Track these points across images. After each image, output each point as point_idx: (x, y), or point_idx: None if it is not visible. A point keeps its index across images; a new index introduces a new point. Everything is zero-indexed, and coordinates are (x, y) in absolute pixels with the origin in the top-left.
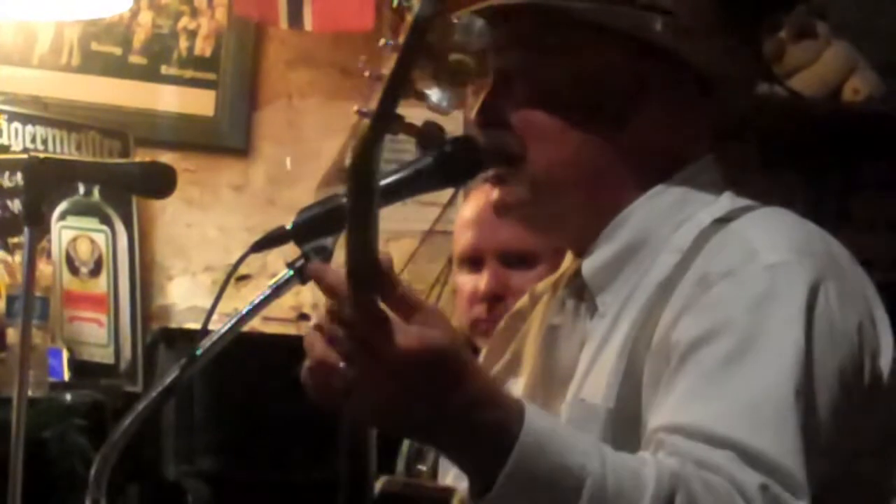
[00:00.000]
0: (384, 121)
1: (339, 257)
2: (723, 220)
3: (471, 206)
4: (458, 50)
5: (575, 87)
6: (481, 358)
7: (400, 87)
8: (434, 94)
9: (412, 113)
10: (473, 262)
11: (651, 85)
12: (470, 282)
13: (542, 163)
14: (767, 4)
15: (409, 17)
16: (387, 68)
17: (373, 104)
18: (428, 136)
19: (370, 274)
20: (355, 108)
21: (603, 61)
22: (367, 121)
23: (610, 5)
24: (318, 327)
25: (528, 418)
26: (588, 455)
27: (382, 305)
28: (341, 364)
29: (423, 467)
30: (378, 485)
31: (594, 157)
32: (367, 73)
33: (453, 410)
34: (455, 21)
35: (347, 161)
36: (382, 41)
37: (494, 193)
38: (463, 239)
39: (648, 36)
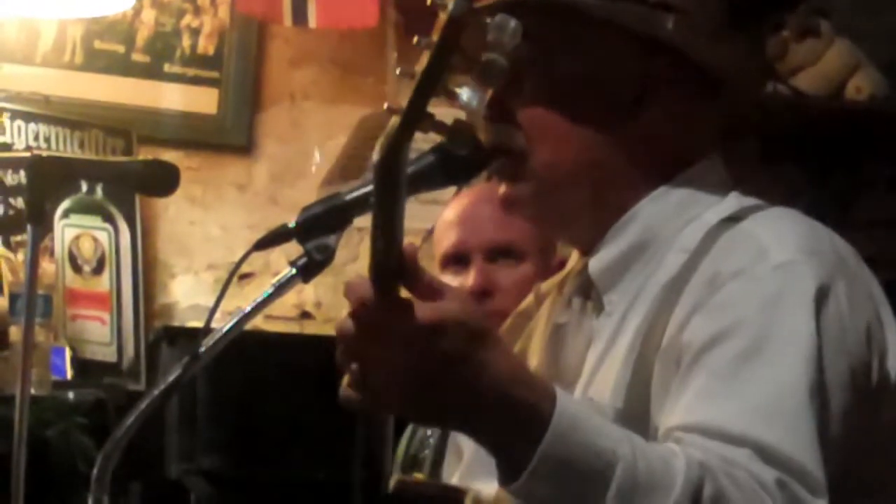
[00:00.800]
0: (414, 118)
1: (341, 256)
2: (730, 220)
3: (453, 208)
4: (490, 49)
5: (582, 83)
6: None
7: (431, 85)
8: (464, 92)
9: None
10: (458, 260)
11: (659, 83)
12: (455, 281)
13: (547, 159)
14: (772, 3)
15: (443, 16)
16: (419, 65)
17: (403, 101)
18: (458, 134)
19: (395, 268)
20: (385, 105)
21: (611, 59)
22: (395, 118)
23: (621, 2)
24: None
25: (561, 401)
26: (619, 441)
27: (409, 296)
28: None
29: (419, 475)
30: (391, 483)
31: (600, 155)
32: (398, 71)
33: (484, 387)
34: (488, 20)
35: (375, 156)
36: (416, 39)
37: (501, 189)
38: (447, 239)
39: (658, 34)
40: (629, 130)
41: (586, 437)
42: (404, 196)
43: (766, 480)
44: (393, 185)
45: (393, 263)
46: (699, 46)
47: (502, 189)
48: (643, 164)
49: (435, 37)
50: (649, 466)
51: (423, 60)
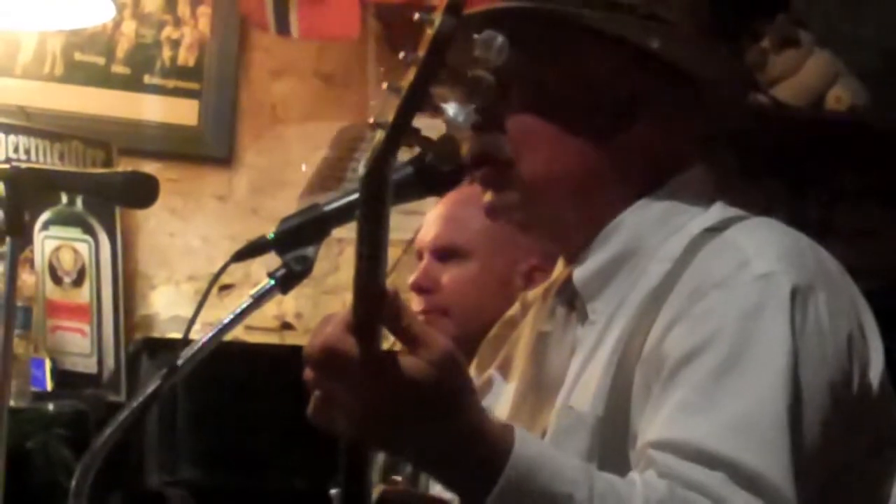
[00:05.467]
0: (400, 133)
1: (321, 267)
2: (713, 230)
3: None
4: (477, 65)
5: (571, 93)
6: (472, 366)
7: (417, 100)
8: (451, 108)
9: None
10: (419, 258)
11: (647, 94)
12: None
13: (535, 169)
14: (753, 13)
15: (430, 32)
16: (404, 81)
17: (388, 115)
18: (444, 150)
19: (379, 292)
20: (370, 119)
21: (600, 69)
22: (380, 132)
23: (611, 13)
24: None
25: (517, 450)
26: (576, 483)
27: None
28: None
29: (398, 478)
30: (375, 493)
31: (588, 165)
32: (384, 85)
33: (442, 445)
34: (475, 36)
35: (361, 170)
36: (402, 54)
37: (486, 197)
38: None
39: (649, 45)
40: (619, 141)
41: (541, 483)
42: (389, 208)
43: None
44: (378, 198)
45: (378, 279)
46: (687, 57)
47: (487, 197)
48: (631, 174)
49: (421, 53)
50: None
51: (409, 76)
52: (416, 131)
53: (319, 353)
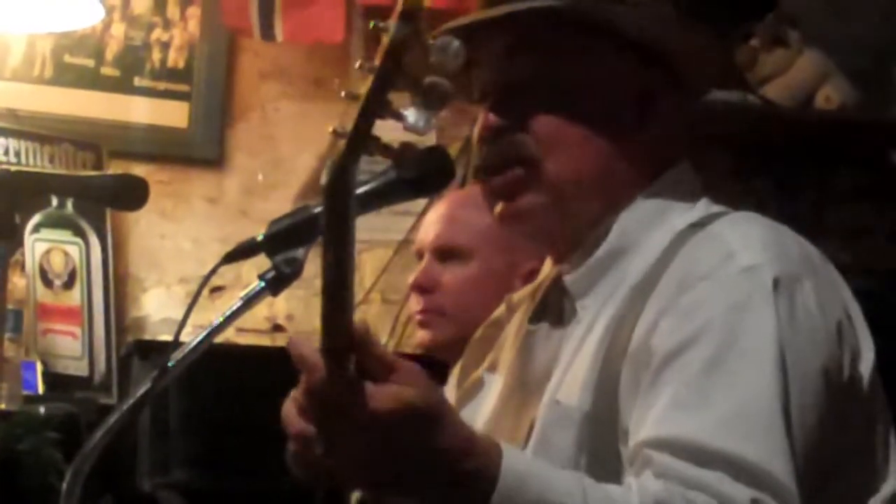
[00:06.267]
0: (359, 142)
1: (311, 269)
2: (697, 225)
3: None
4: (434, 71)
5: (594, 92)
6: (457, 368)
7: (375, 108)
8: (410, 114)
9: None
10: (420, 258)
11: (657, 92)
12: None
13: (566, 168)
14: (742, 13)
15: (385, 39)
16: (362, 88)
17: (348, 124)
18: (404, 158)
19: (347, 304)
20: (330, 128)
21: (618, 68)
22: (342, 141)
23: (629, 7)
24: (294, 400)
25: (506, 463)
26: (570, 494)
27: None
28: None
29: None
30: (354, 499)
31: (609, 165)
32: (342, 93)
33: (432, 465)
34: (431, 42)
35: (323, 180)
36: (358, 62)
37: (499, 207)
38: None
39: (666, 43)
40: (636, 140)
41: (534, 493)
42: (353, 216)
43: (738, 501)
44: (342, 208)
45: (345, 284)
46: (693, 52)
47: (503, 206)
48: (640, 173)
49: (377, 61)
50: None
51: (367, 84)
52: (377, 139)
53: (304, 400)
